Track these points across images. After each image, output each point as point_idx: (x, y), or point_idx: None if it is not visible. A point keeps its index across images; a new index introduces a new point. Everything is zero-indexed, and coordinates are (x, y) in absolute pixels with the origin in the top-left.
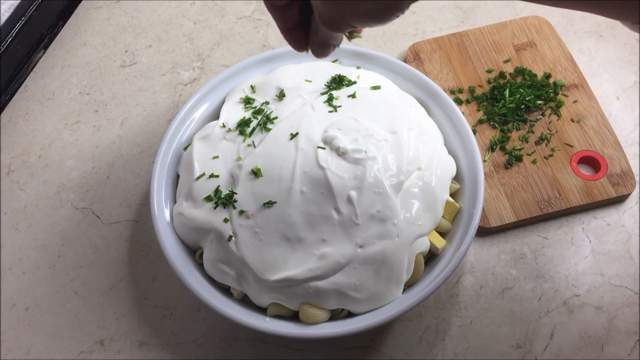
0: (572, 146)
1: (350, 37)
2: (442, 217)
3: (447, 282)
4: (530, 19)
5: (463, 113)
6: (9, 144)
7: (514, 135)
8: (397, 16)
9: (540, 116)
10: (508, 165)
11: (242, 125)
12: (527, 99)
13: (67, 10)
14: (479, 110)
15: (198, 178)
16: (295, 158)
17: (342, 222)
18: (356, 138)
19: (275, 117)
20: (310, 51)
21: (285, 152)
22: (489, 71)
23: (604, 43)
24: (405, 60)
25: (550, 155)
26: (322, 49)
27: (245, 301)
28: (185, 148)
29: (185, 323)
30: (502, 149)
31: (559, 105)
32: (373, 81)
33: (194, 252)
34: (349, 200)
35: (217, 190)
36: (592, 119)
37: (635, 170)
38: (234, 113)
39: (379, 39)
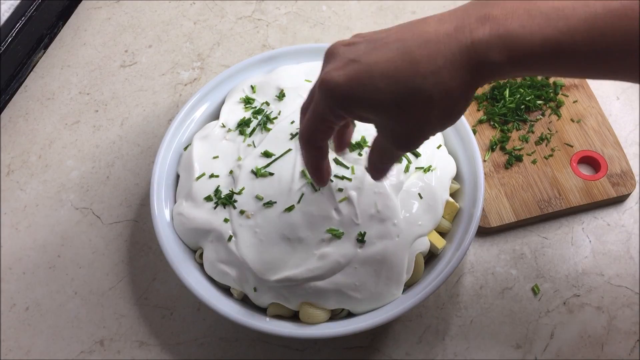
0: (572, 146)
1: None
2: (442, 217)
3: (447, 282)
4: None
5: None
6: (9, 144)
7: (514, 135)
8: (465, 109)
9: (540, 116)
10: (508, 165)
11: (242, 125)
12: (527, 99)
13: (67, 10)
14: (479, 110)
15: (198, 178)
16: (295, 158)
17: (342, 222)
18: (356, 138)
19: (275, 117)
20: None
21: (285, 152)
22: None
23: None
24: None
25: (550, 155)
26: (382, 172)
27: (245, 301)
28: (185, 148)
29: (185, 323)
30: (502, 149)
31: (559, 105)
32: None
33: (194, 252)
34: (349, 200)
35: (217, 190)
36: (592, 119)
37: (635, 170)
38: (234, 113)
39: None
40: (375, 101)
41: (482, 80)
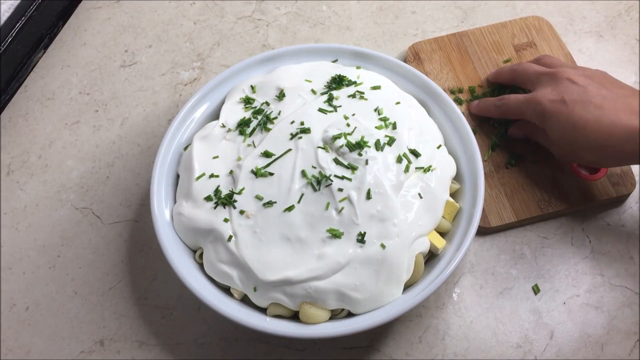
0: None
1: None
2: (442, 217)
3: (447, 282)
4: (530, 19)
5: (463, 113)
6: (9, 144)
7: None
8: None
9: None
10: (508, 165)
11: (242, 125)
12: None
13: (67, 10)
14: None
15: (198, 178)
16: (295, 158)
17: (342, 222)
18: (356, 138)
19: (275, 117)
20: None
21: (285, 153)
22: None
23: (604, 43)
24: (405, 60)
25: (551, 155)
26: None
27: (245, 301)
28: (185, 148)
29: (185, 323)
30: (503, 148)
31: None
32: (373, 81)
33: (194, 252)
34: (349, 200)
35: (217, 190)
36: None
37: (635, 170)
38: (234, 113)
39: (379, 39)
40: (560, 135)
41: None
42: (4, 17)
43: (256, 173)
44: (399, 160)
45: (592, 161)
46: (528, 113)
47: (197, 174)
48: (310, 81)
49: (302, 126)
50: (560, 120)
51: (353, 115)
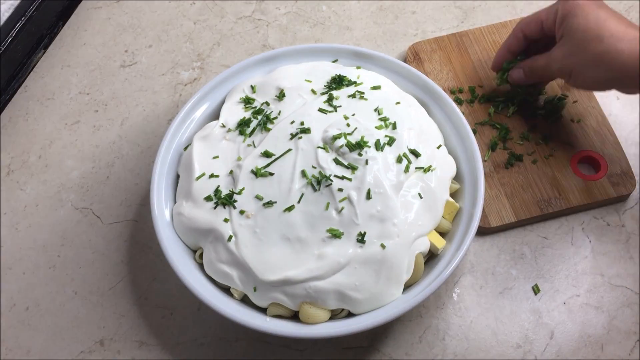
0: (572, 146)
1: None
2: (442, 217)
3: (447, 282)
4: None
5: (463, 113)
6: (9, 144)
7: (515, 134)
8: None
9: (541, 116)
10: (508, 165)
11: (242, 125)
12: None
13: (67, 10)
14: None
15: (198, 178)
16: (295, 158)
17: (342, 222)
18: (356, 138)
19: (275, 117)
20: (505, 75)
21: (285, 153)
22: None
23: None
24: (405, 60)
25: (551, 155)
26: (524, 75)
27: (245, 301)
28: (185, 148)
29: (185, 323)
30: (503, 147)
31: (560, 106)
32: (373, 81)
33: (194, 252)
34: (349, 200)
35: (217, 190)
36: (592, 119)
37: (635, 170)
38: (234, 113)
39: (379, 39)
40: (580, 31)
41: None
42: (4, 17)
43: (256, 173)
44: (399, 160)
45: (591, 79)
46: (551, 15)
47: (197, 174)
48: (310, 81)
49: (302, 126)
50: (590, 13)
51: (353, 115)
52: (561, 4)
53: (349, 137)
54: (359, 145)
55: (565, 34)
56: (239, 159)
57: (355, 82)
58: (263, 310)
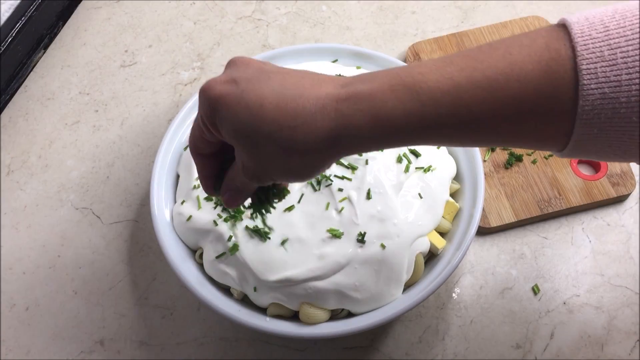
0: None
1: (278, 197)
2: (442, 217)
3: (447, 282)
4: (530, 19)
5: None
6: (9, 144)
7: None
8: (319, 173)
9: None
10: (508, 165)
11: None
12: None
13: (67, 10)
14: None
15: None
16: None
17: (342, 222)
18: None
19: None
20: (220, 198)
21: None
22: None
23: None
24: (405, 60)
25: (551, 155)
26: (234, 199)
27: (245, 301)
28: (186, 148)
29: (185, 323)
30: (503, 148)
31: None
32: None
33: (194, 252)
34: (349, 200)
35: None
36: None
37: (635, 170)
38: None
39: (379, 39)
40: (235, 128)
41: (343, 149)
42: (4, 17)
43: None
44: (399, 160)
45: (288, 165)
46: (201, 116)
47: (197, 174)
48: None
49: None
50: (231, 104)
51: None
52: (200, 98)
53: None
54: None
55: (226, 134)
56: None
57: None
58: (263, 310)
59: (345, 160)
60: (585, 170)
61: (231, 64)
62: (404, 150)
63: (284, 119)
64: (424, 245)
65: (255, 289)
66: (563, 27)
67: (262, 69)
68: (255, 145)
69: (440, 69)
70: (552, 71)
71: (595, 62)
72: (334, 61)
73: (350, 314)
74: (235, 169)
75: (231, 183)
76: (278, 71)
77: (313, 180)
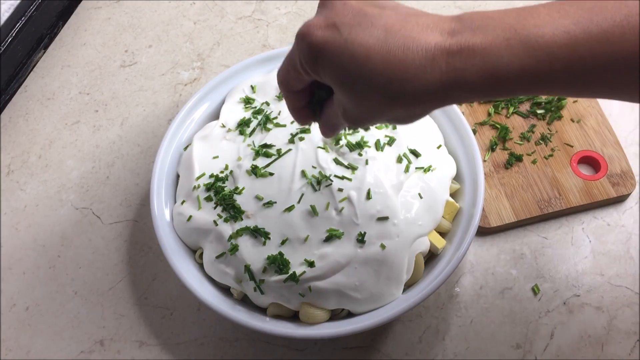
0: (572, 146)
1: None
2: (442, 217)
3: (447, 282)
4: None
5: (463, 113)
6: (9, 144)
7: (515, 134)
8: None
9: (541, 116)
10: (508, 165)
11: (242, 125)
12: (527, 98)
13: (67, 10)
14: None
15: (198, 178)
16: (295, 158)
17: (342, 222)
18: (356, 138)
19: (275, 117)
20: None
21: (285, 152)
22: None
23: None
24: None
25: (550, 155)
26: (332, 131)
27: (245, 301)
28: (185, 148)
29: (185, 323)
30: (503, 147)
31: (560, 106)
32: None
33: (194, 252)
34: (349, 200)
35: (217, 190)
36: (592, 119)
37: (635, 170)
38: (234, 113)
39: None
40: (339, 77)
41: (452, 101)
42: (4, 17)
43: (256, 173)
44: (399, 160)
45: (393, 114)
46: (299, 60)
47: (197, 174)
48: None
49: (302, 126)
50: (335, 53)
51: None
52: (297, 43)
53: (349, 137)
54: (359, 145)
55: (327, 76)
56: (239, 159)
57: None
58: (263, 310)
59: (345, 160)
60: (585, 170)
61: (327, 4)
62: (404, 150)
63: (393, 71)
64: (424, 245)
65: (255, 289)
66: None
67: (362, 10)
68: (360, 94)
69: (555, 21)
70: None
71: None
72: None
73: (350, 314)
74: (334, 109)
75: (329, 121)
76: (379, 14)
77: (313, 180)
